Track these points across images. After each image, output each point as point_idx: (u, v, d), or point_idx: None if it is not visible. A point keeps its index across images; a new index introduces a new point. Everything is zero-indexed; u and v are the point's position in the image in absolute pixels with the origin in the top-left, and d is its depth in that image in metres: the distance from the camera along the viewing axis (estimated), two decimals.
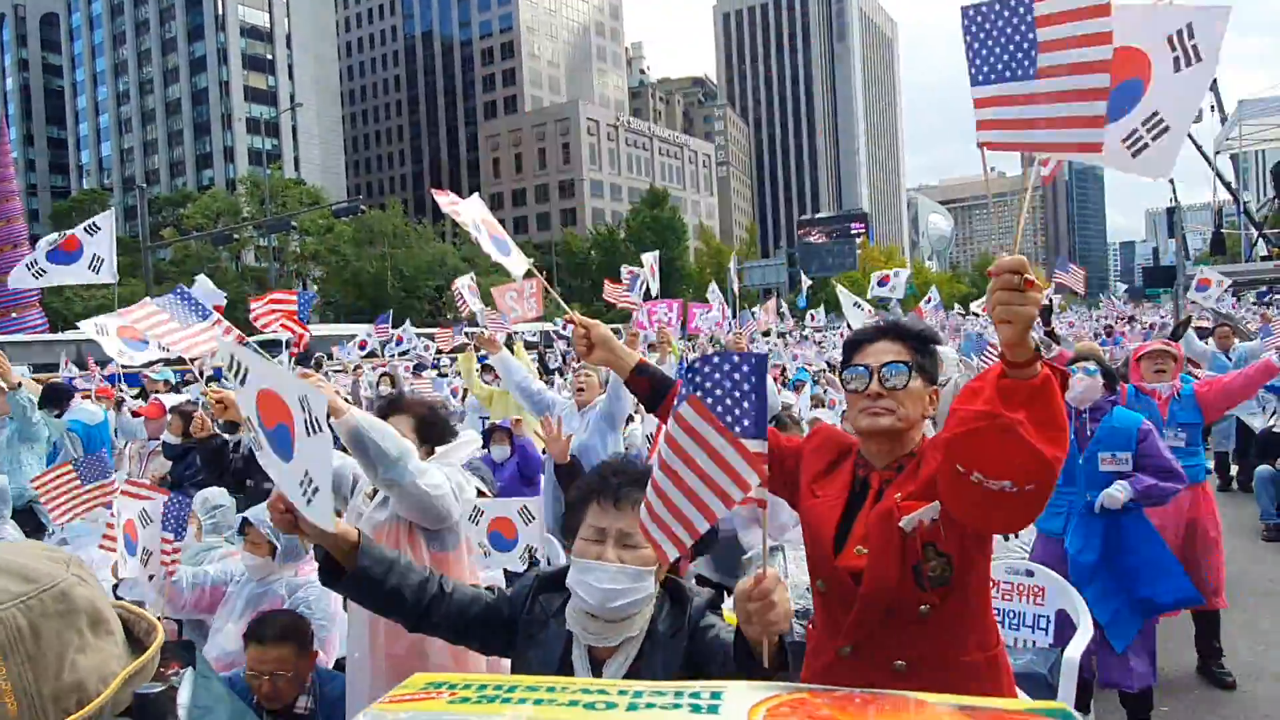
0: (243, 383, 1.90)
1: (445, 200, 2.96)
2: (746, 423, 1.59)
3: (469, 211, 2.86)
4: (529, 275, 3.64)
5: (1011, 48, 1.76)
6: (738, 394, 1.60)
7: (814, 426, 2.75)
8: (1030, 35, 1.74)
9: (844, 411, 7.26)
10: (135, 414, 7.93)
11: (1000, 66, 1.79)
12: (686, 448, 1.62)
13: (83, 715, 0.79)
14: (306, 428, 1.75)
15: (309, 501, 1.77)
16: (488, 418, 8.18)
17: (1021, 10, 1.74)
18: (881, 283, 12.78)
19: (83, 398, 8.89)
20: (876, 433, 1.99)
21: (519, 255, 2.93)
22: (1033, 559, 4.29)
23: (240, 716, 0.91)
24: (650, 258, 10.65)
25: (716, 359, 1.65)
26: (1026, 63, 1.75)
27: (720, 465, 1.61)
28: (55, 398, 7.53)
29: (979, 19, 1.80)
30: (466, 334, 6.11)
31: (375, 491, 3.01)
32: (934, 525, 1.85)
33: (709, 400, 1.61)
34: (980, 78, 1.81)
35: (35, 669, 0.78)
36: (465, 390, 10.05)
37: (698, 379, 1.63)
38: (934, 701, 0.86)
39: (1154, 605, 4.19)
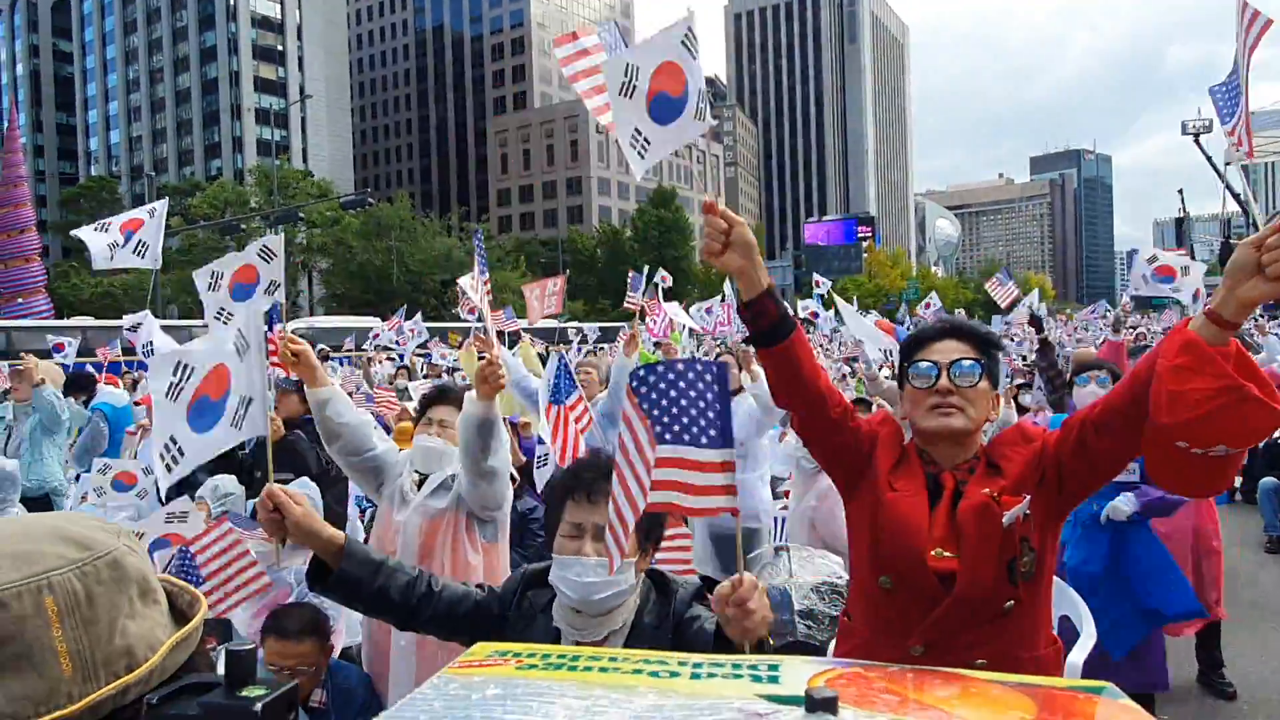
0: (177, 391, 2.12)
1: (567, 51, 2.43)
2: (713, 433, 1.58)
3: (639, 55, 2.05)
4: (547, 272, 3.46)
5: (1237, 81, 2.44)
6: (702, 404, 1.59)
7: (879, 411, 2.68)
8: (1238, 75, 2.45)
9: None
10: (138, 403, 7.95)
11: (1232, 99, 2.47)
12: (628, 445, 1.64)
13: (131, 679, 0.82)
14: (239, 352, 2.01)
15: (239, 426, 2.02)
16: None
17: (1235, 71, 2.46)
18: (924, 307, 13.10)
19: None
20: (946, 434, 1.96)
21: (690, 125, 2.04)
22: None
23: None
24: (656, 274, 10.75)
25: (666, 368, 1.61)
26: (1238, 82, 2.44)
27: (645, 465, 1.61)
28: (81, 385, 7.61)
29: (1223, 91, 2.51)
30: (477, 332, 6.10)
31: (422, 480, 3.07)
32: (1027, 519, 1.85)
33: (670, 409, 1.60)
34: (1227, 117, 2.48)
35: (89, 633, 0.81)
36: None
37: (644, 389, 1.61)
38: (985, 678, 0.88)
39: (1161, 616, 4.19)
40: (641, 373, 1.64)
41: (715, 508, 1.60)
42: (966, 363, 1.97)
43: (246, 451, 5.53)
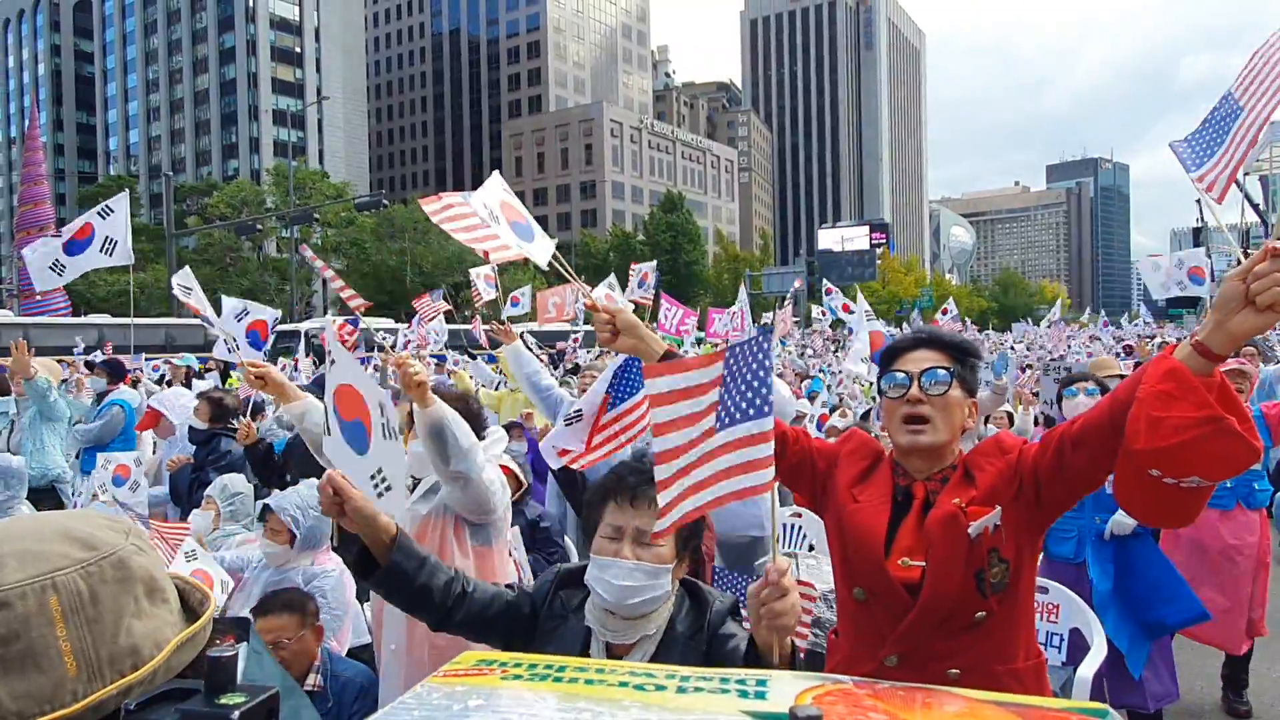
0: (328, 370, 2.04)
1: (435, 207, 2.79)
2: (759, 403, 1.56)
3: (483, 197, 2.60)
4: (561, 279, 3.54)
5: (1211, 133, 2.34)
6: (752, 379, 1.58)
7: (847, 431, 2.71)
8: (1226, 109, 2.34)
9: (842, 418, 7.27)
10: (138, 428, 7.88)
11: (1204, 150, 2.35)
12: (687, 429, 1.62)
13: (136, 678, 0.82)
14: (384, 431, 1.93)
15: (380, 495, 1.93)
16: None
17: (1221, 111, 2.35)
18: (942, 313, 13.07)
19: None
20: (917, 450, 1.97)
21: (543, 240, 2.71)
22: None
23: (290, 692, 0.94)
24: (648, 266, 10.76)
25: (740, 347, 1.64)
26: (1228, 124, 2.33)
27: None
28: (116, 371, 7.70)
29: (1186, 145, 2.40)
30: (491, 327, 6.10)
31: (415, 484, 3.05)
32: (997, 531, 1.84)
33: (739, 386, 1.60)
34: (1194, 166, 2.34)
35: (93, 632, 0.82)
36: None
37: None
38: (976, 697, 0.86)
39: (1164, 626, 4.16)
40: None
41: (759, 485, 1.56)
42: (940, 371, 1.98)
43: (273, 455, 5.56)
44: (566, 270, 2.48)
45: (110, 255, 5.14)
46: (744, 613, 2.09)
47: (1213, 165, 2.28)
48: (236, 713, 0.73)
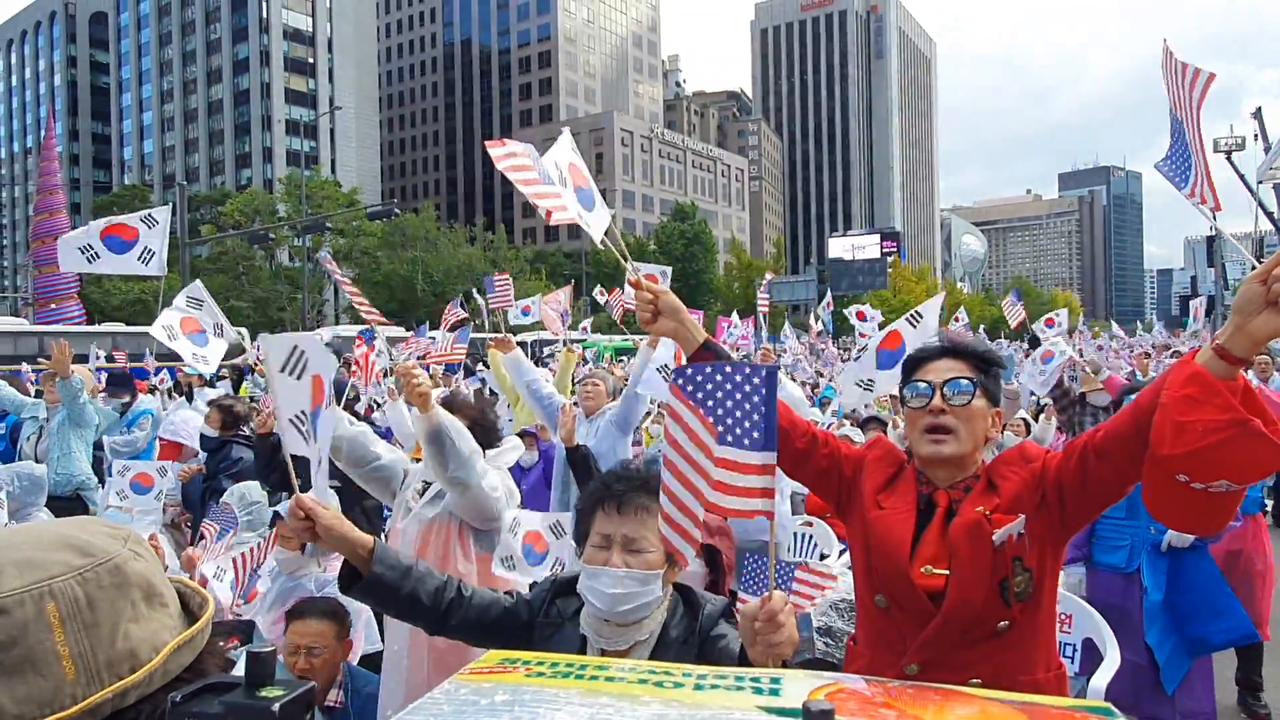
0: (299, 376, 1.99)
1: (500, 152, 2.52)
2: (756, 435, 1.63)
3: (554, 156, 2.40)
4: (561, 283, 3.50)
5: (1180, 149, 2.48)
6: (748, 406, 1.63)
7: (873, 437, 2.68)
8: (1176, 126, 2.49)
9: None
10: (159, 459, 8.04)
11: (1183, 166, 2.49)
12: (682, 442, 1.68)
13: (130, 682, 0.84)
14: (326, 400, 1.99)
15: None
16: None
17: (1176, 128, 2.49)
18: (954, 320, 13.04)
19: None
20: (939, 460, 1.97)
21: (602, 211, 2.52)
22: (1088, 594, 4.20)
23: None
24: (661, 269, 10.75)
25: (714, 369, 1.68)
26: (1182, 140, 2.48)
27: (708, 455, 1.66)
28: (124, 384, 7.77)
29: (1167, 164, 2.52)
30: (491, 339, 6.07)
31: (425, 488, 3.09)
32: (1020, 539, 1.84)
33: (717, 411, 1.65)
34: (1183, 183, 2.49)
35: (91, 637, 0.83)
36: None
37: (692, 387, 1.67)
38: (985, 695, 0.89)
39: (1206, 644, 4.11)
40: (689, 371, 1.70)
41: (752, 510, 1.64)
42: (963, 381, 1.98)
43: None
44: (619, 249, 2.33)
45: (146, 265, 5.19)
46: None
47: (1194, 180, 2.34)
48: (277, 705, 0.76)
